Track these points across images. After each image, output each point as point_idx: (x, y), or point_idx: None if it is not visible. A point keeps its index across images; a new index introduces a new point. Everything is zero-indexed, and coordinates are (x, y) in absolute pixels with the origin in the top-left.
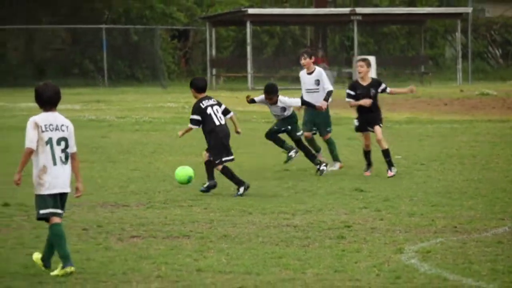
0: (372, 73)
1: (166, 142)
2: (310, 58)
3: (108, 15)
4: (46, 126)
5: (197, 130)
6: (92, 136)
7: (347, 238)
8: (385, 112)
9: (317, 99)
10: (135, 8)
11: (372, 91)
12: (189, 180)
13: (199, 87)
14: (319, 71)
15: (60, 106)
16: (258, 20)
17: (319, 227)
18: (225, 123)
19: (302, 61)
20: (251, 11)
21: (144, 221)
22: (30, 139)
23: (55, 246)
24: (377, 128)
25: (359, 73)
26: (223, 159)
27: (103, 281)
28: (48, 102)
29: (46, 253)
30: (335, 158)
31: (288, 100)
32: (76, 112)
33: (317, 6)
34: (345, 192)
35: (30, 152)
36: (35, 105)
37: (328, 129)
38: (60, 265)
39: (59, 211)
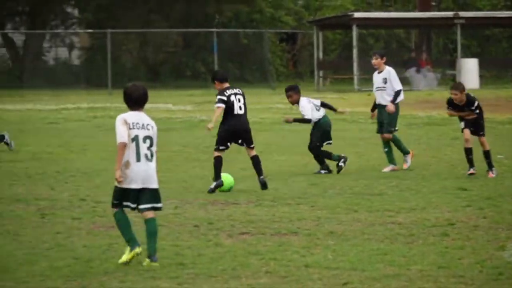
0: (475, 76)
1: (275, 142)
2: (382, 58)
3: (219, 19)
4: (133, 123)
5: (300, 131)
6: (203, 136)
7: (450, 235)
8: (488, 113)
9: (385, 97)
10: (245, 12)
11: (467, 108)
12: (230, 189)
13: (221, 78)
14: (388, 71)
15: (173, 106)
16: (364, 23)
17: (423, 225)
18: (244, 113)
19: (373, 61)
20: (357, 15)
21: (253, 218)
22: (121, 134)
23: (121, 231)
24: (480, 137)
25: (454, 100)
26: (221, 147)
27: (214, 276)
28: (136, 102)
29: (151, 247)
30: (391, 161)
31: (304, 109)
32: (188, 112)
33: (421, 10)
34: (448, 191)
35: (124, 146)
36: (150, 105)
37: (390, 129)
38: (128, 248)
39: (131, 205)
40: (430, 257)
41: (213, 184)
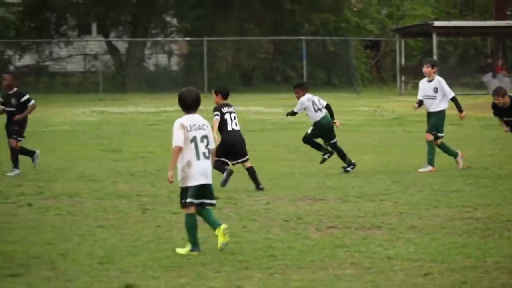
0: None
1: (360, 142)
2: (432, 68)
3: (307, 27)
4: (190, 126)
5: (382, 132)
6: (292, 137)
7: None
8: None
9: (434, 105)
10: (332, 21)
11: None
12: None
13: (225, 94)
14: (438, 81)
15: (264, 109)
16: (443, 32)
17: (499, 220)
18: (239, 130)
19: (425, 69)
20: (437, 23)
21: (339, 214)
22: (178, 138)
23: (187, 232)
24: None
25: (498, 104)
26: (222, 159)
27: (303, 267)
28: (190, 106)
29: (191, 239)
30: (430, 162)
31: (298, 104)
32: (278, 115)
33: (497, 19)
34: None
35: (179, 149)
36: (243, 108)
37: (433, 132)
38: (189, 247)
39: (199, 201)
40: (505, 250)
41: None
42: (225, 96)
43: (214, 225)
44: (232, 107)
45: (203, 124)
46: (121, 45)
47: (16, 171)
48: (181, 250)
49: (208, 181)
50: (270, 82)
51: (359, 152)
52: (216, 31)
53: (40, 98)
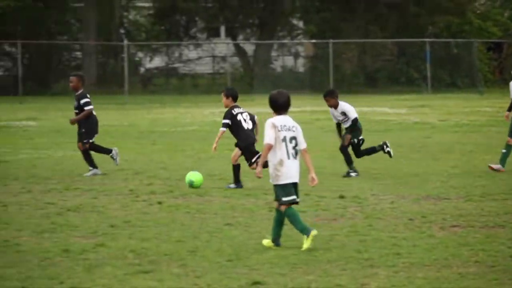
0: None
1: (483, 142)
2: None
3: (431, 30)
4: (281, 126)
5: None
6: (416, 136)
7: None
8: None
9: None
10: (455, 24)
11: None
12: (190, 184)
13: (235, 97)
14: None
15: (389, 110)
16: None
17: None
18: (252, 128)
19: None
20: None
21: (463, 212)
22: (270, 136)
23: (293, 224)
24: None
25: None
26: (253, 160)
27: (427, 265)
28: (281, 107)
29: (275, 234)
30: (501, 162)
31: (347, 108)
32: (402, 115)
33: None
34: None
35: (270, 147)
36: (368, 109)
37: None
38: (305, 237)
39: (295, 197)
40: None
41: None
42: (235, 98)
43: (305, 230)
44: (241, 108)
45: (293, 126)
46: (249, 47)
47: (94, 171)
48: (304, 246)
49: (296, 180)
50: (394, 83)
51: (481, 152)
52: (341, 33)
53: (170, 99)
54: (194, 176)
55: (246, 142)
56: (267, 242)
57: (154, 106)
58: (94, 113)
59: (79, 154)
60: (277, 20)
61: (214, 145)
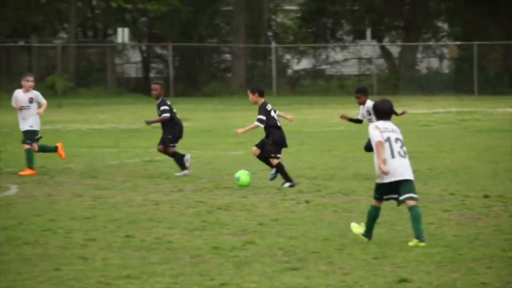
0: None
1: None
2: None
3: None
4: (384, 128)
5: None
6: None
7: None
8: None
9: None
10: None
11: None
12: (237, 180)
13: (261, 92)
14: None
15: None
16: None
17: None
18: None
19: None
20: None
21: None
22: (376, 135)
23: (367, 218)
24: None
25: None
26: (278, 155)
27: None
28: (385, 114)
29: (368, 226)
30: None
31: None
32: None
33: None
34: None
35: (381, 143)
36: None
37: None
38: (362, 230)
39: (393, 196)
40: None
41: (287, 184)
42: (261, 93)
43: (368, 232)
44: (270, 104)
45: (396, 129)
46: (394, 49)
47: (185, 172)
48: (354, 227)
49: (404, 177)
50: None
51: None
52: (485, 35)
53: (317, 100)
54: (243, 174)
55: (281, 138)
56: (357, 230)
57: (301, 107)
58: (178, 117)
59: (228, 154)
60: (422, 23)
61: (241, 130)
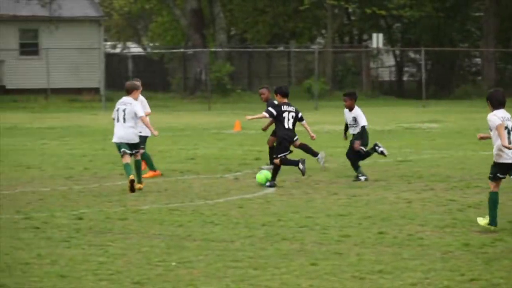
0: None
1: None
2: None
3: None
4: (503, 117)
5: None
6: None
7: None
8: None
9: None
10: None
11: None
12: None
13: (284, 93)
14: None
15: None
16: None
17: None
18: (293, 129)
19: None
20: None
21: None
22: (495, 120)
23: (488, 207)
24: None
25: None
26: (283, 154)
27: None
28: (500, 103)
29: (491, 216)
30: None
31: (359, 114)
32: None
33: None
34: None
35: (501, 125)
36: None
37: None
38: (487, 220)
39: (503, 176)
40: None
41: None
42: (284, 95)
43: (492, 219)
44: (292, 107)
45: (510, 117)
46: None
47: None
48: (480, 220)
49: None
50: None
51: None
52: None
53: None
54: (263, 173)
55: (284, 136)
56: (483, 222)
57: None
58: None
59: (478, 154)
60: None
61: (250, 117)
